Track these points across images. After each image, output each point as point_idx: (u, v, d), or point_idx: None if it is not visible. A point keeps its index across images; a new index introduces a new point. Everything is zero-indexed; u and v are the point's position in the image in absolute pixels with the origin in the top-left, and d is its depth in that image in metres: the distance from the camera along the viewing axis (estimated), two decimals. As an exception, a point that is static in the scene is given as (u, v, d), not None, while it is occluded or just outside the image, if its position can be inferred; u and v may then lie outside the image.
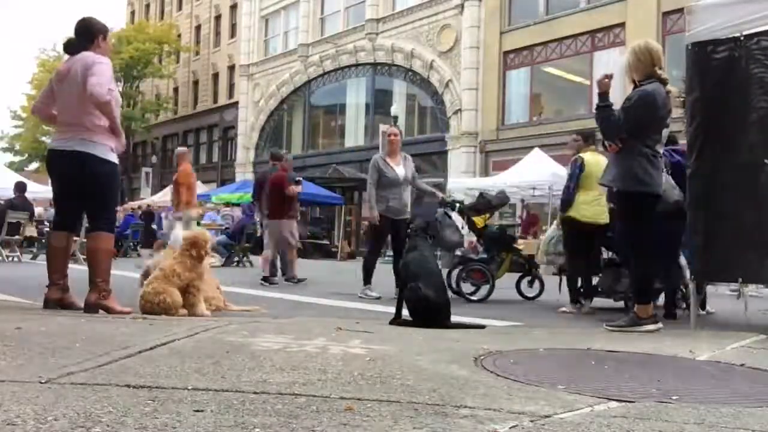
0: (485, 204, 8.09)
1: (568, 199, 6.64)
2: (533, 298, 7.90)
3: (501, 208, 9.11)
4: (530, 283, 8.16)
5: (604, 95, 4.53)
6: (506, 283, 8.16)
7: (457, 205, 8.23)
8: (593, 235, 6.62)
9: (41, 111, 4.83)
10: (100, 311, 4.35)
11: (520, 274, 8.28)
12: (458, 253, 8.42)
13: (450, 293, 7.58)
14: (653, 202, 4.54)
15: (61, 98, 4.58)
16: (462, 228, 8.44)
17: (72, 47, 4.63)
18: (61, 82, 4.56)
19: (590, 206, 6.53)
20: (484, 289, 7.66)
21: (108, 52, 4.71)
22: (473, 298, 7.58)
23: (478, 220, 7.90)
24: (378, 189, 7.43)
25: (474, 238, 8.50)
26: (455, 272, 7.78)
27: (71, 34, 4.72)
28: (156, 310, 4.37)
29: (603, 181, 4.75)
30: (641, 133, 4.45)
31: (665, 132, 4.52)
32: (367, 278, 7.43)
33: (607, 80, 4.50)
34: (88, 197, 4.52)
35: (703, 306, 6.51)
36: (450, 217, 7.94)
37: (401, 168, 7.52)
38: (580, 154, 6.72)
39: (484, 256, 7.98)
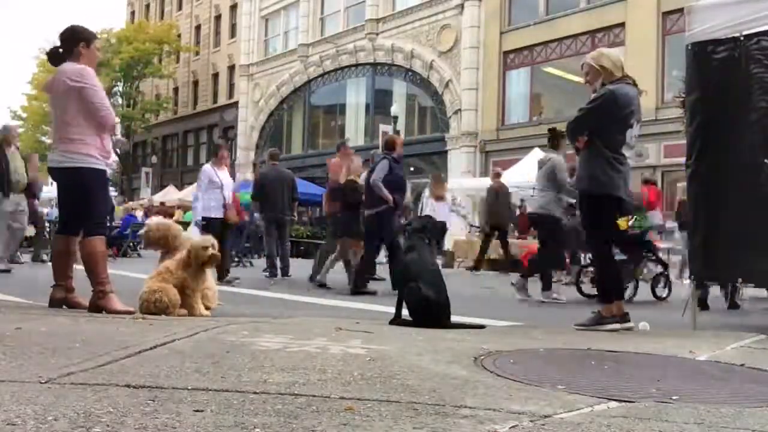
0: (628, 207, 8.15)
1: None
2: (665, 298, 8.27)
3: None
4: (665, 285, 8.50)
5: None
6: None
7: None
8: None
9: None
10: (103, 312, 4.43)
11: (655, 273, 8.59)
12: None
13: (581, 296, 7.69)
14: (612, 204, 4.55)
15: (51, 112, 4.75)
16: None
17: (54, 58, 4.69)
18: (49, 94, 4.73)
19: None
20: (628, 290, 7.65)
21: (94, 59, 4.73)
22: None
23: (622, 223, 7.85)
24: None
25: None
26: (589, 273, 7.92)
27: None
28: (153, 309, 4.35)
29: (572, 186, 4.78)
30: (603, 133, 4.47)
31: (631, 132, 4.50)
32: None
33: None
34: (76, 204, 4.64)
35: (704, 305, 6.51)
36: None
37: None
38: None
39: (623, 257, 7.96)
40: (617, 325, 4.40)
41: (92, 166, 4.53)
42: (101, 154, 4.59)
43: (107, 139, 4.66)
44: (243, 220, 14.57)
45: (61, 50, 4.66)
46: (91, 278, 4.56)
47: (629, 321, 4.47)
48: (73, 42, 4.63)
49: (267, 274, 10.28)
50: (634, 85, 4.50)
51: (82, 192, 4.56)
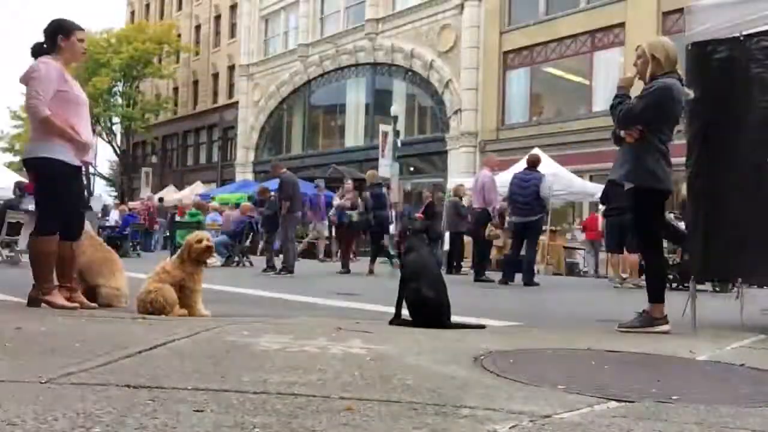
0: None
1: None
2: None
3: None
4: None
5: (625, 89, 4.44)
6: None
7: None
8: None
9: None
10: (43, 305, 4.48)
11: None
12: None
13: None
14: (664, 199, 4.46)
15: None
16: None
17: (35, 52, 4.56)
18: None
19: None
20: None
21: (77, 51, 4.61)
22: None
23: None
24: None
25: None
26: None
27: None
28: (150, 309, 4.32)
29: (614, 177, 4.55)
30: (657, 126, 4.33)
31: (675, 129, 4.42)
32: None
33: (632, 78, 4.39)
34: (43, 197, 4.61)
35: None
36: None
37: None
38: None
39: None
40: (667, 327, 4.30)
41: (52, 155, 4.37)
42: (73, 147, 4.44)
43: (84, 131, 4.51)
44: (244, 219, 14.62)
45: (44, 45, 4.54)
46: (33, 274, 4.56)
47: (668, 323, 4.39)
48: (53, 34, 4.50)
49: (284, 273, 10.69)
50: (681, 81, 4.38)
51: (39, 183, 4.51)
